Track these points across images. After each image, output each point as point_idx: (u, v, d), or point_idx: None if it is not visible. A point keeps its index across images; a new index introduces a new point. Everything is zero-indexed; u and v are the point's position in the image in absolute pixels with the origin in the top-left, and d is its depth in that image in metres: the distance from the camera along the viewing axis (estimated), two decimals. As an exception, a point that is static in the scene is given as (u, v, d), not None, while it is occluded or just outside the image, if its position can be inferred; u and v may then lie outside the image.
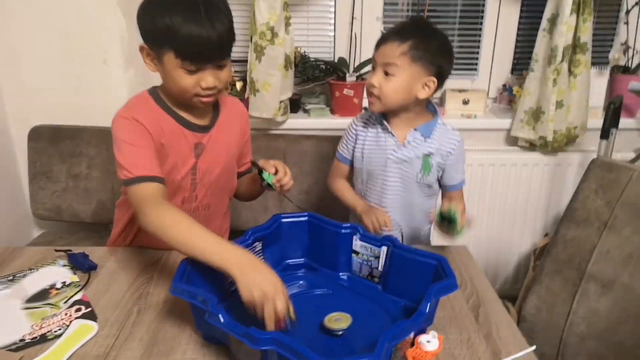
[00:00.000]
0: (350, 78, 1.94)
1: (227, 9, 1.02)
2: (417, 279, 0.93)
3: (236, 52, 2.10)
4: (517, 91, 2.02)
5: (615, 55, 2.05)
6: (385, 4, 2.05)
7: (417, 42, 1.14)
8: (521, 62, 2.13)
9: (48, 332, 0.87)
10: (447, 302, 0.97)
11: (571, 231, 1.32)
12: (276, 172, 1.10)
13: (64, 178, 1.82)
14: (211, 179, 1.17)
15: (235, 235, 1.07)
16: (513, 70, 2.15)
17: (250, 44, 1.79)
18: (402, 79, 1.15)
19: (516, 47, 2.12)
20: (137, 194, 0.99)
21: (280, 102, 1.84)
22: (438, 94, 2.13)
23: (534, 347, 0.84)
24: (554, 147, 1.93)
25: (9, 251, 1.16)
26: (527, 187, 2.02)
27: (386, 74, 1.16)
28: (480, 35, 2.11)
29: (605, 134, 1.71)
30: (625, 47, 2.04)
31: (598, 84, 2.01)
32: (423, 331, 0.81)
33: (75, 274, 1.06)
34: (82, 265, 1.08)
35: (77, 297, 0.98)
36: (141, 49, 1.03)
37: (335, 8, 2.04)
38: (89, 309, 0.94)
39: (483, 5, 2.07)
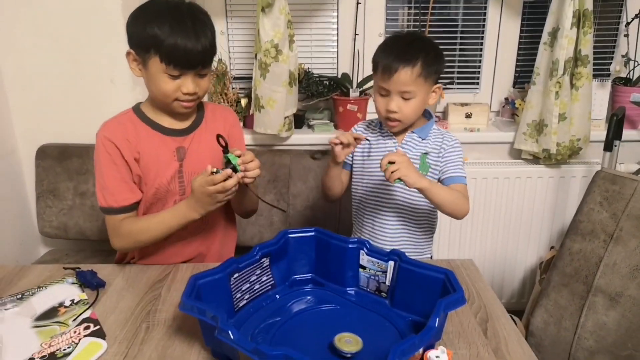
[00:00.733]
0: (354, 93, 1.96)
1: (210, 24, 1.10)
2: (425, 293, 0.93)
3: (241, 69, 2.13)
4: (519, 104, 2.04)
5: (616, 67, 2.06)
6: (387, 20, 2.07)
7: (424, 61, 1.17)
8: (523, 76, 2.14)
9: (57, 350, 0.88)
10: (455, 317, 0.97)
11: (577, 244, 1.32)
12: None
13: (70, 196, 1.83)
14: None
15: (242, 251, 1.08)
16: (515, 84, 2.17)
17: (254, 61, 1.81)
18: (420, 98, 1.21)
19: (517, 60, 2.14)
20: (106, 221, 1.17)
21: (285, 118, 1.85)
22: (441, 108, 2.15)
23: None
24: (558, 160, 1.93)
25: (17, 269, 1.17)
26: (531, 199, 2.02)
27: (403, 97, 1.20)
28: (481, 49, 2.13)
29: (608, 146, 1.71)
30: (626, 59, 2.05)
31: (600, 96, 2.02)
32: (432, 346, 0.81)
33: (83, 291, 1.07)
34: (90, 282, 1.08)
35: (86, 314, 0.98)
36: (128, 54, 1.10)
37: (337, 25, 2.07)
38: (98, 327, 0.94)
39: (484, 19, 2.09)
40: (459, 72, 2.19)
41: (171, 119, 1.18)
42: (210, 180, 1.03)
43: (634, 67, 2.06)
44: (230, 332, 0.74)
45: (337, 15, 2.06)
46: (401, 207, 1.31)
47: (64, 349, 0.88)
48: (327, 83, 2.02)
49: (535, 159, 2.00)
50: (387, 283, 1.01)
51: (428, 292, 0.92)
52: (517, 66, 2.15)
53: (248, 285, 0.99)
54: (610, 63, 2.11)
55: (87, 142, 1.83)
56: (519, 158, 2.04)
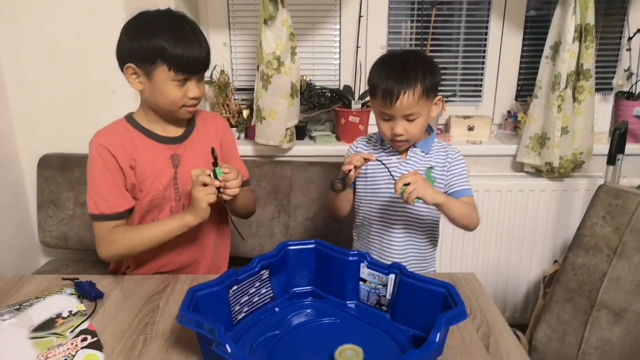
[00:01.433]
0: (356, 105, 1.96)
1: (201, 30, 1.15)
2: (426, 307, 0.91)
3: (243, 80, 2.14)
4: (521, 117, 2.03)
5: (618, 81, 2.06)
6: (389, 32, 2.08)
7: (423, 80, 1.16)
8: (525, 89, 2.15)
9: (53, 362, 0.87)
10: (457, 332, 0.95)
11: (580, 258, 1.31)
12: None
13: (71, 206, 1.83)
14: None
15: (242, 262, 1.07)
16: (517, 97, 2.17)
17: (257, 73, 1.82)
18: (424, 116, 1.21)
19: (519, 73, 2.15)
20: (95, 229, 1.16)
21: (287, 129, 1.85)
22: (443, 120, 2.15)
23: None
24: (561, 173, 1.93)
25: (16, 279, 1.16)
26: (534, 213, 2.01)
27: (408, 120, 1.19)
28: (483, 63, 2.14)
29: (611, 159, 1.71)
30: (629, 74, 2.06)
31: (602, 109, 2.02)
32: (433, 361, 0.80)
33: (81, 302, 1.06)
34: (88, 293, 1.07)
35: (84, 326, 0.97)
36: (127, 68, 1.11)
37: (340, 37, 2.08)
38: (95, 339, 0.93)
39: (486, 33, 2.10)
40: (461, 85, 2.20)
41: (165, 127, 1.20)
42: (202, 179, 1.08)
43: (637, 81, 2.06)
44: (227, 345, 0.73)
45: (340, 28, 2.07)
46: (407, 221, 1.30)
47: (60, 361, 0.87)
48: (329, 95, 2.03)
49: (537, 172, 1.99)
50: (388, 296, 1.00)
51: (429, 306, 0.91)
52: (519, 79, 2.15)
53: (247, 297, 0.98)
54: (613, 77, 2.11)
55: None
56: (521, 171, 2.03)
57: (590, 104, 1.87)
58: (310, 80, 2.05)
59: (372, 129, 2.07)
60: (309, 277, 1.07)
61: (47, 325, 0.98)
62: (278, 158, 1.96)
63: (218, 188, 1.10)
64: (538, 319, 1.42)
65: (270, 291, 1.03)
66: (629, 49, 2.04)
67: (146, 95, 1.14)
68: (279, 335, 0.94)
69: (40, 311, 1.02)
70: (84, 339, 0.93)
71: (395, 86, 1.15)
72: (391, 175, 1.20)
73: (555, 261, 2.00)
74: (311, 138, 2.05)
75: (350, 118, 1.96)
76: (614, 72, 2.13)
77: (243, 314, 0.98)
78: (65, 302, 1.06)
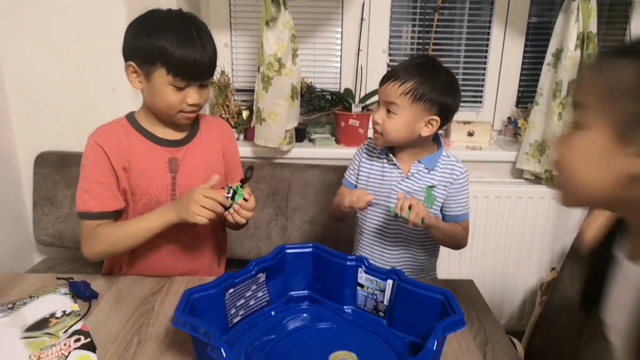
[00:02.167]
0: (356, 109, 1.95)
1: (211, 35, 1.10)
2: (424, 314, 0.91)
3: (243, 81, 2.13)
4: (522, 124, 2.03)
5: (619, 89, 2.06)
6: (390, 37, 2.08)
7: (419, 83, 1.14)
8: (526, 95, 2.14)
9: (46, 363, 0.86)
10: (454, 339, 0.95)
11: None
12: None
13: (67, 204, 1.82)
14: None
15: (239, 265, 1.06)
16: (518, 103, 2.16)
17: (257, 74, 1.81)
18: (404, 117, 1.16)
19: (520, 80, 2.14)
20: (81, 227, 1.13)
21: (286, 131, 1.85)
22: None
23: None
24: (560, 180, 1.92)
25: (10, 278, 1.15)
26: (533, 220, 2.01)
27: (388, 111, 1.17)
28: (485, 69, 2.13)
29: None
30: (629, 82, 2.05)
31: (603, 118, 2.01)
32: (430, 369, 0.79)
33: (75, 302, 1.05)
34: (83, 293, 1.06)
35: (77, 326, 0.96)
36: (127, 66, 1.08)
37: (341, 40, 2.08)
38: (88, 340, 0.92)
39: (487, 39, 2.10)
40: (462, 90, 2.18)
41: (165, 129, 1.16)
42: (211, 192, 1.03)
43: (637, 89, 2.06)
44: (222, 350, 0.72)
45: (341, 31, 2.06)
46: (405, 236, 1.29)
47: (53, 362, 0.86)
48: (330, 98, 2.02)
49: (537, 179, 1.99)
50: (385, 302, 0.99)
51: (427, 313, 0.90)
52: (520, 86, 2.15)
53: (243, 300, 0.97)
54: (614, 85, 2.11)
55: (87, 150, 1.83)
56: (520, 178, 2.02)
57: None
58: (310, 82, 2.04)
59: (371, 132, 2.06)
60: (306, 281, 1.06)
61: (40, 325, 0.96)
62: (277, 160, 1.95)
63: (230, 208, 1.06)
64: (535, 326, 1.42)
65: (267, 295, 1.02)
66: (630, 58, 2.04)
67: (145, 96, 1.12)
68: (275, 340, 0.93)
69: (34, 310, 1.01)
70: (77, 340, 0.92)
71: (393, 71, 1.17)
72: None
73: (553, 269, 2.00)
74: (310, 141, 2.05)
75: (350, 121, 1.95)
76: (615, 81, 2.13)
77: (239, 318, 0.97)
78: (59, 302, 1.05)
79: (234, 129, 1.99)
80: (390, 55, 2.10)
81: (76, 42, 1.74)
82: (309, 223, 1.82)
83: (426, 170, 1.24)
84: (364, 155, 1.32)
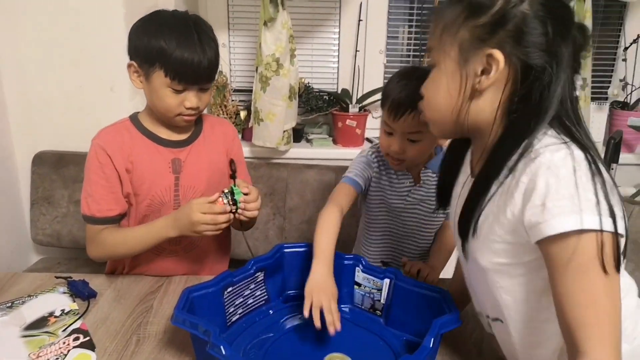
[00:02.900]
0: (353, 109, 1.96)
1: (215, 38, 1.09)
2: (420, 312, 0.92)
3: (241, 81, 2.14)
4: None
5: (614, 91, 2.08)
6: (387, 37, 2.09)
7: None
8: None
9: (45, 361, 0.86)
10: (449, 337, 0.95)
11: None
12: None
13: (65, 204, 1.82)
14: (196, 196, 1.17)
15: (237, 264, 1.07)
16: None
17: (255, 74, 1.82)
18: (429, 141, 1.12)
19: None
20: (86, 229, 1.14)
21: (284, 131, 1.85)
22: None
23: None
24: (555, 181, 1.93)
25: (9, 277, 1.15)
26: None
27: (409, 139, 1.11)
28: (481, 70, 2.15)
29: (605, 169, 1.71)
30: (624, 84, 2.07)
31: (598, 119, 2.04)
32: (426, 367, 0.80)
33: (74, 301, 1.05)
34: (81, 292, 1.07)
35: (76, 325, 0.97)
36: (129, 65, 1.08)
37: (339, 41, 2.09)
38: (87, 338, 0.93)
39: (484, 40, 2.11)
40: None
41: (168, 130, 1.16)
42: (208, 207, 1.01)
43: (632, 91, 2.08)
44: (222, 347, 0.73)
45: (339, 32, 2.08)
46: (419, 235, 1.29)
47: (52, 360, 0.86)
48: (327, 98, 2.03)
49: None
50: (382, 301, 1.00)
51: (423, 312, 0.91)
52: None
53: (241, 299, 0.98)
54: (609, 87, 2.13)
55: (84, 150, 1.79)
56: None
57: (586, 113, 1.88)
58: (308, 83, 2.05)
59: (369, 133, 2.07)
60: (304, 280, 1.06)
61: (39, 324, 0.97)
62: (274, 160, 1.96)
63: (236, 209, 1.04)
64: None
65: (265, 293, 1.03)
66: (624, 59, 2.06)
67: (146, 96, 1.11)
68: (273, 338, 0.94)
69: (33, 309, 1.02)
70: (76, 338, 0.92)
71: (404, 100, 1.06)
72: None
73: (548, 268, 2.01)
74: (308, 141, 2.05)
75: (348, 122, 1.96)
76: (610, 82, 2.15)
77: (237, 316, 0.98)
78: (58, 301, 1.05)
79: (232, 129, 2.00)
80: (387, 55, 2.11)
81: (74, 42, 1.74)
82: (306, 223, 1.83)
83: (434, 175, 1.22)
84: (375, 167, 1.23)
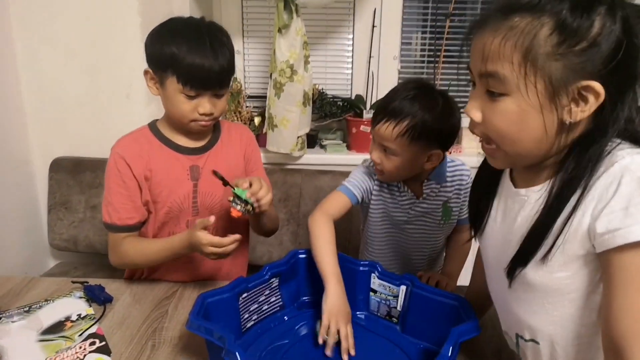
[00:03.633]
0: (367, 115, 1.96)
1: (230, 44, 1.08)
2: (437, 320, 0.90)
3: (255, 88, 2.14)
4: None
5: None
6: (402, 43, 2.09)
7: (415, 122, 1.04)
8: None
9: (62, 365, 0.86)
10: (467, 345, 0.94)
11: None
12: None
13: (82, 209, 1.84)
14: (214, 202, 1.18)
15: (251, 270, 1.07)
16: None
17: (269, 81, 1.82)
18: (403, 158, 1.08)
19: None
20: (109, 238, 1.16)
21: (298, 137, 1.85)
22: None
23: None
24: (573, 187, 1.90)
25: (26, 281, 1.17)
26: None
27: (385, 151, 1.09)
28: (496, 75, 2.13)
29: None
30: None
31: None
32: (444, 376, 0.78)
33: (90, 306, 1.06)
34: (97, 297, 1.07)
35: (92, 330, 0.97)
36: (145, 72, 1.09)
37: (353, 47, 2.09)
38: (103, 343, 0.93)
39: (499, 45, 2.09)
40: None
41: (186, 138, 1.16)
42: (218, 241, 1.00)
43: None
44: (237, 354, 0.72)
45: (353, 38, 2.07)
46: (424, 247, 1.27)
47: (68, 365, 0.86)
48: (341, 104, 2.03)
49: (549, 186, 1.97)
50: (399, 308, 0.99)
51: (440, 319, 0.90)
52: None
53: (256, 305, 0.98)
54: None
55: (101, 156, 1.85)
56: (533, 184, 2.01)
57: None
58: (322, 89, 2.05)
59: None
60: (318, 287, 1.06)
61: (56, 328, 0.97)
62: (289, 166, 1.96)
63: (252, 206, 1.04)
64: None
65: (280, 299, 1.02)
66: None
67: (163, 103, 1.11)
68: (288, 345, 0.94)
69: (50, 314, 1.02)
70: (92, 343, 0.93)
71: (384, 109, 1.06)
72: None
73: (566, 276, 1.98)
74: (322, 147, 2.05)
75: (362, 127, 1.95)
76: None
77: (252, 322, 0.97)
78: (74, 306, 1.06)
79: (247, 135, 2.00)
80: (401, 61, 2.10)
81: (91, 50, 1.77)
82: (320, 229, 1.82)
83: (438, 186, 1.18)
84: (376, 184, 1.20)
